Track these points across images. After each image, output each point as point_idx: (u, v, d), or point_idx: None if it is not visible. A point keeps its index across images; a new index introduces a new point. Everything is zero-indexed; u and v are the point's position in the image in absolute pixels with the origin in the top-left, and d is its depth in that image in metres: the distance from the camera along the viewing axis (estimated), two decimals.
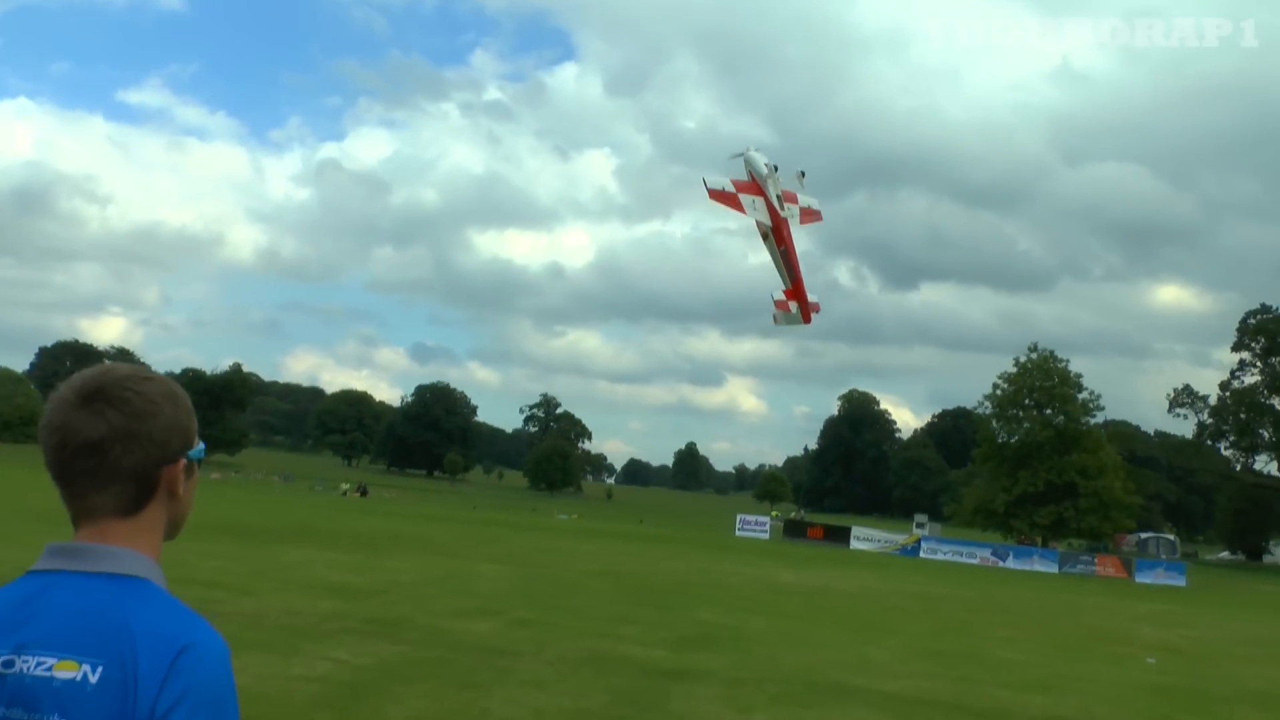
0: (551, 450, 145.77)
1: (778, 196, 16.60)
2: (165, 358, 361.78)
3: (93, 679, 1.52)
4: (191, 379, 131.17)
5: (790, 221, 16.76)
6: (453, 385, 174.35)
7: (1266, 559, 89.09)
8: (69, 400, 1.65)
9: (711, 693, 10.91)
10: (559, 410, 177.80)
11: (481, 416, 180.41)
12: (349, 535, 31.30)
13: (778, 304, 17.37)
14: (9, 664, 1.54)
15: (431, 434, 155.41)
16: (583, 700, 9.90)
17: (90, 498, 1.65)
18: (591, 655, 12.55)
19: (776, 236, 16.78)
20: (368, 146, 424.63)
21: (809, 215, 17.62)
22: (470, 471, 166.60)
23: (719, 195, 17.01)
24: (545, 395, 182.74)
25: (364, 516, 44.45)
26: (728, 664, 12.88)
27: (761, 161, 16.77)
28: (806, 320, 17.32)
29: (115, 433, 1.63)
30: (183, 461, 1.71)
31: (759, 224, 16.78)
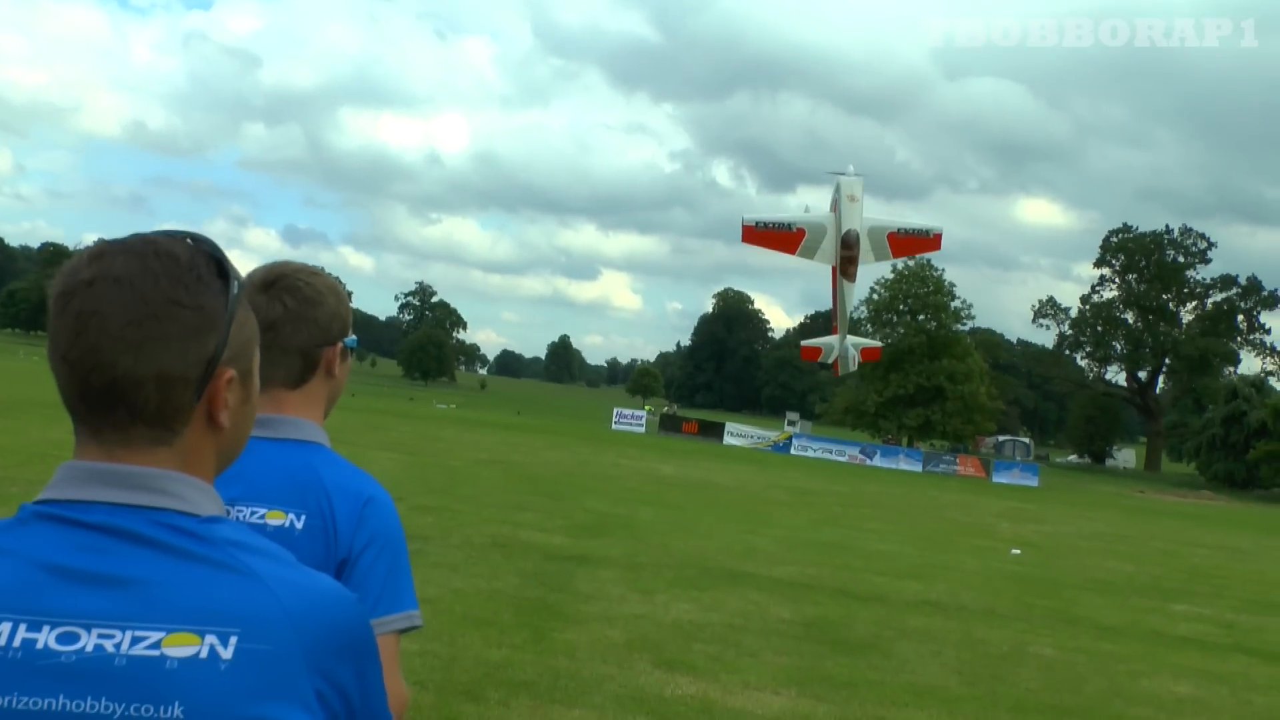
0: (426, 339, 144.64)
1: (849, 232, 14.78)
2: (19, 230, 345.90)
3: (299, 525, 1.91)
4: (51, 254, 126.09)
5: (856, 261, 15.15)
6: (327, 270, 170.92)
7: (1109, 462, 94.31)
8: (253, 286, 2.03)
9: (614, 576, 11.57)
10: (434, 299, 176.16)
11: (355, 303, 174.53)
12: None
13: (804, 349, 16.61)
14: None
15: None
16: (495, 582, 10.45)
17: (264, 370, 2.04)
18: (495, 540, 13.09)
19: (842, 272, 15.29)
20: (237, 17, 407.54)
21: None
22: None
23: (756, 236, 15.41)
24: (421, 283, 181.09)
25: None
26: (624, 550, 13.56)
27: (852, 190, 15.00)
28: (835, 373, 16.80)
29: (288, 314, 2.02)
30: (340, 345, 2.11)
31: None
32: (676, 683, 7.46)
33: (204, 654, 1.16)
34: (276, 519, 1.92)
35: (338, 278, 2.24)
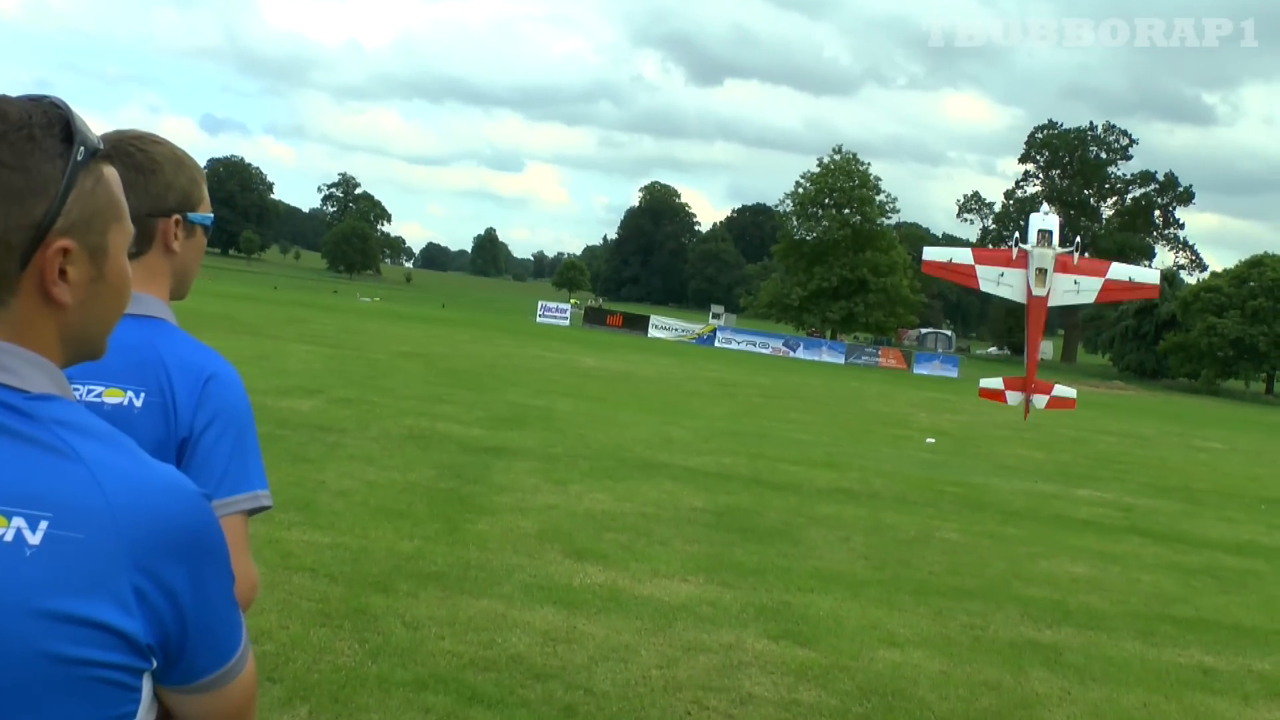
0: (350, 231, 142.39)
1: (1041, 270, 14.79)
2: None
3: (137, 403, 1.85)
4: None
5: (1050, 294, 14.97)
6: (247, 160, 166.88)
7: None
8: None
9: (529, 467, 11.63)
10: (358, 190, 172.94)
11: (277, 194, 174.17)
12: None
13: (984, 392, 15.98)
14: None
15: (226, 210, 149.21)
16: (410, 474, 10.45)
17: None
18: (413, 432, 13.07)
19: (1029, 312, 15.11)
20: None
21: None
22: (267, 251, 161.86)
23: (934, 268, 15.30)
24: (344, 174, 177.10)
25: None
26: (541, 441, 13.61)
27: (1038, 227, 15.09)
28: (1025, 416, 16.10)
29: None
30: (176, 218, 1.99)
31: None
32: (586, 572, 7.55)
33: (9, 537, 1.09)
34: (114, 397, 1.85)
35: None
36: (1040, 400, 15.80)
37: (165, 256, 2.00)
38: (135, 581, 1.14)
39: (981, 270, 16.19)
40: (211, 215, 2.09)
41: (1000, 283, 16.01)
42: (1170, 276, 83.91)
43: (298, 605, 6.06)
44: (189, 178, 2.02)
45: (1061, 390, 16.28)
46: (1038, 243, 15.98)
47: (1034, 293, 15.62)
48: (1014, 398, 15.34)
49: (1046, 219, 16.09)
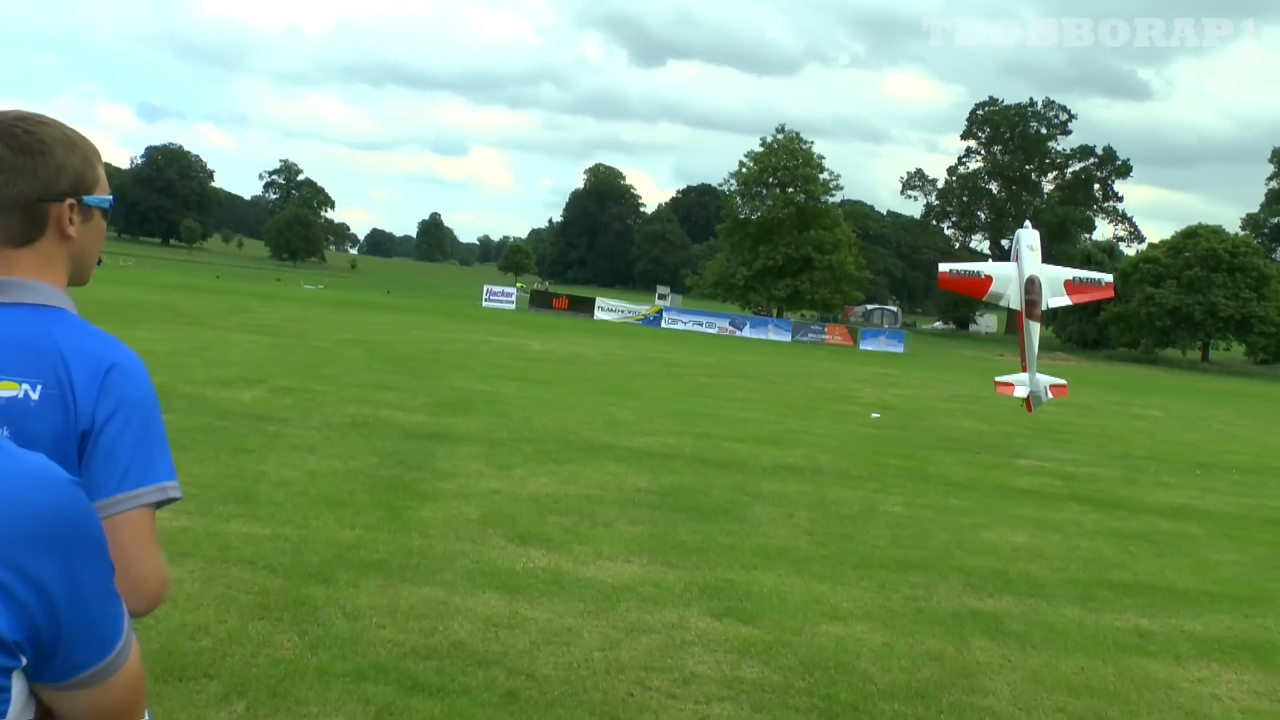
0: (293, 218, 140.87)
1: (1033, 278, 16.17)
2: None
3: (34, 396, 1.75)
4: None
5: (1038, 306, 16.33)
6: (186, 148, 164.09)
7: (972, 328, 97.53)
8: None
9: (473, 452, 11.56)
10: (300, 177, 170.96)
11: (218, 182, 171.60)
12: (91, 304, 29.64)
13: (999, 385, 17.11)
14: None
15: (165, 199, 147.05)
16: (352, 462, 10.35)
17: None
18: (355, 420, 12.94)
19: (1027, 314, 16.42)
20: None
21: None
22: (209, 240, 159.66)
23: (950, 283, 16.54)
24: (285, 161, 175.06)
25: (104, 286, 42.06)
26: (485, 426, 13.54)
27: (1031, 241, 16.43)
28: (1029, 409, 17.15)
29: (1, 165, 1.78)
30: (70, 202, 1.86)
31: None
32: (529, 556, 7.52)
33: None
34: (8, 390, 1.75)
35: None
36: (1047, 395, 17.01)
37: (61, 243, 1.89)
38: (1, 576, 1.10)
39: (995, 285, 17.17)
40: (110, 197, 1.99)
41: (999, 293, 17.25)
42: (1110, 249, 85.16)
43: (236, 598, 5.98)
44: (82, 159, 1.89)
45: (1054, 380, 17.55)
46: (1029, 256, 17.13)
47: (1028, 298, 16.83)
48: (1020, 390, 16.67)
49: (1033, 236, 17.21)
